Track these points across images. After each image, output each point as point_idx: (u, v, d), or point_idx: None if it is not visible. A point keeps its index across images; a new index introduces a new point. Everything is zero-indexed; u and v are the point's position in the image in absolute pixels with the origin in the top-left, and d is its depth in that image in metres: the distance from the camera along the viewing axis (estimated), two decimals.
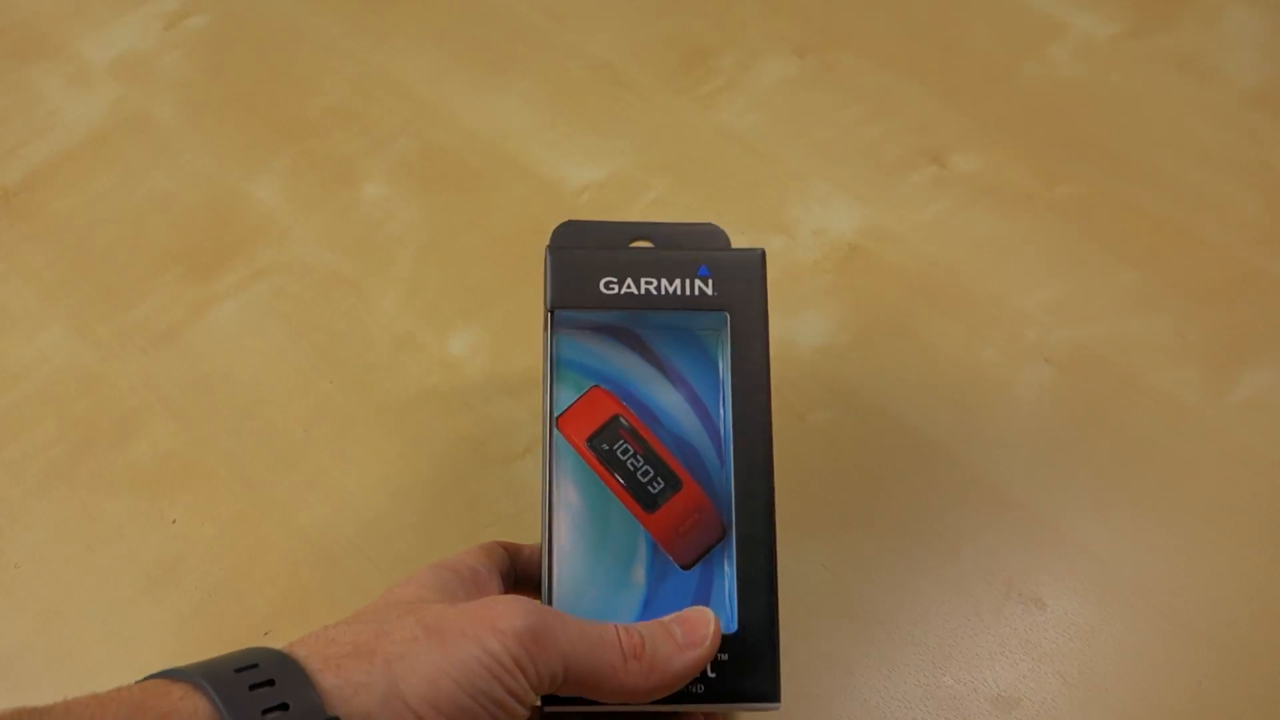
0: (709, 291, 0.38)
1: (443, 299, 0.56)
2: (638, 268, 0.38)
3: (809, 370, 0.51)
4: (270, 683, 0.28)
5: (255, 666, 0.28)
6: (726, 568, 0.36)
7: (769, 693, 0.34)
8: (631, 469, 0.37)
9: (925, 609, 0.44)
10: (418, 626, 0.30)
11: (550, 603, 0.36)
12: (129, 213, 0.61)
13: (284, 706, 0.27)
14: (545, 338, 0.38)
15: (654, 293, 0.38)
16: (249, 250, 0.59)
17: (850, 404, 0.50)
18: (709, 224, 0.41)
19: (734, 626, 0.35)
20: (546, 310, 0.38)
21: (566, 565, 0.36)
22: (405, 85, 0.66)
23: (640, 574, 0.36)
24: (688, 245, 0.40)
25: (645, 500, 0.37)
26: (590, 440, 0.38)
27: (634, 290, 0.38)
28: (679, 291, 0.38)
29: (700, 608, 0.34)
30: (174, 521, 0.49)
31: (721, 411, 0.38)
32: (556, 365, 0.38)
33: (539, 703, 0.32)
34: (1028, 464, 0.48)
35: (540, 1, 0.70)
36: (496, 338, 0.54)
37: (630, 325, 0.39)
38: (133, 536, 0.48)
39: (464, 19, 0.70)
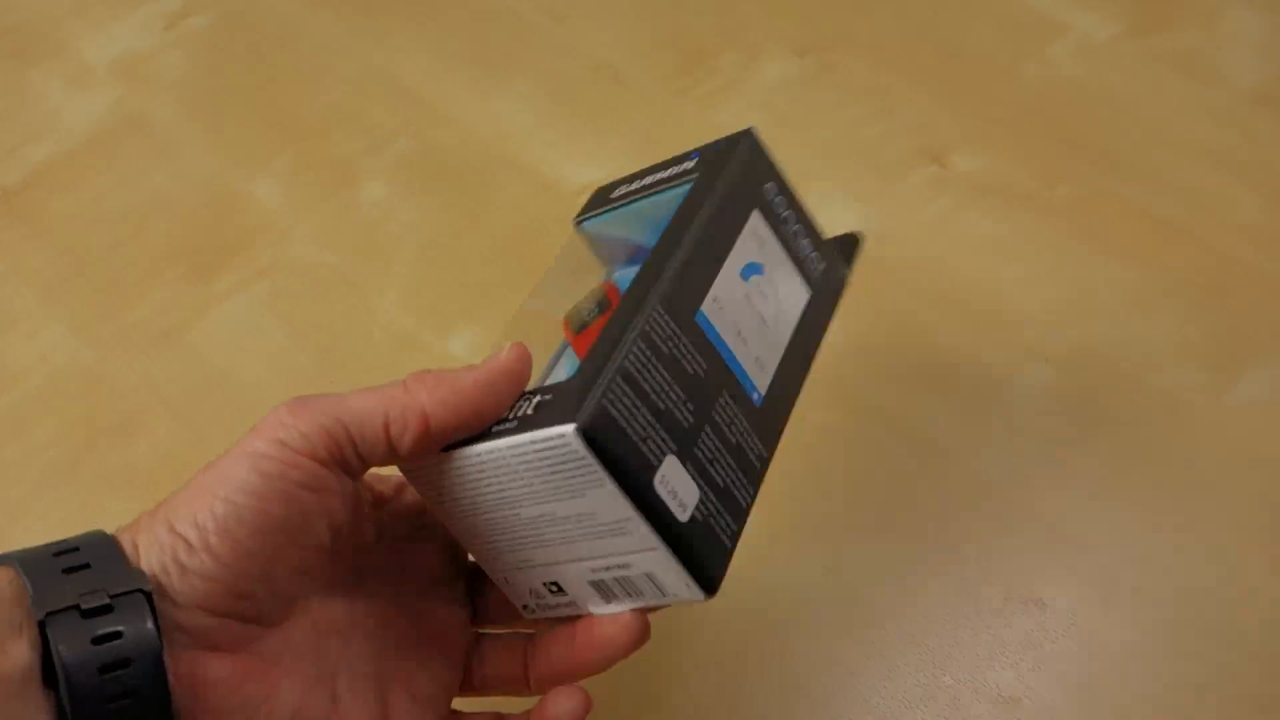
0: (690, 168, 0.39)
1: (443, 299, 0.56)
2: (644, 173, 0.41)
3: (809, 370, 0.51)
4: (75, 549, 0.29)
5: (74, 549, 0.29)
6: None
7: (566, 416, 0.30)
8: (584, 311, 0.38)
9: (925, 609, 0.44)
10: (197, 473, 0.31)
11: None
12: (129, 213, 0.61)
13: (86, 565, 0.28)
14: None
15: (649, 184, 0.40)
16: (249, 250, 0.59)
17: (850, 404, 0.50)
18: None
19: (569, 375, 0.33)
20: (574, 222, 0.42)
21: None
22: (405, 85, 0.66)
23: None
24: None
25: (576, 325, 0.38)
26: (569, 315, 0.39)
27: (634, 187, 0.40)
28: (669, 176, 0.39)
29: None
30: None
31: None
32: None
33: (331, 475, 0.30)
34: (1028, 464, 0.48)
35: (540, 1, 0.70)
36: (496, 337, 0.54)
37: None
38: None
39: (464, 19, 0.70)
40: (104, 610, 0.27)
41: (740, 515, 0.34)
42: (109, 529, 0.31)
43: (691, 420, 0.33)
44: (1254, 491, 0.46)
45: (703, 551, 0.33)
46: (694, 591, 0.33)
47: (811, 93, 0.63)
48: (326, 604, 0.33)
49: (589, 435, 0.30)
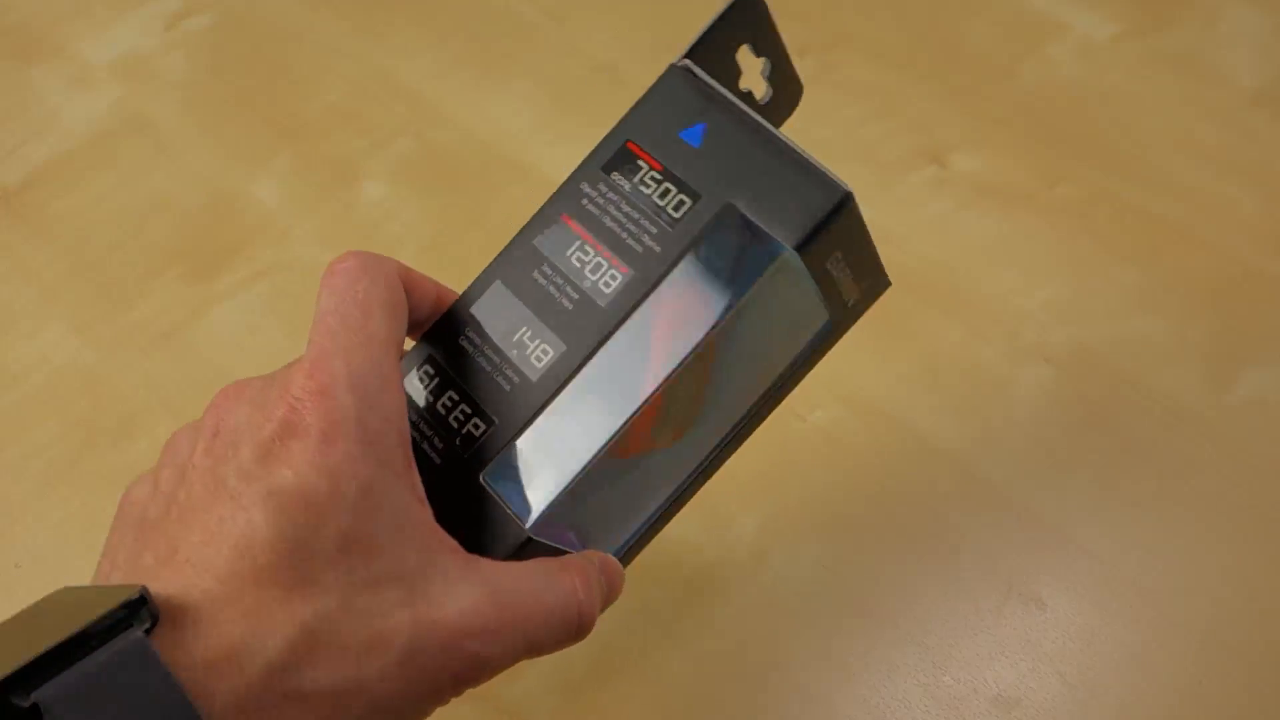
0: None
1: None
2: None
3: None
4: None
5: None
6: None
7: None
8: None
9: (925, 609, 0.44)
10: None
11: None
12: (129, 213, 0.61)
13: None
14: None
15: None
16: (249, 250, 0.59)
17: (850, 404, 0.50)
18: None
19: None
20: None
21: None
22: (405, 85, 0.66)
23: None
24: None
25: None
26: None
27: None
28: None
29: (620, 570, 0.31)
30: None
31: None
32: None
33: None
34: (1028, 464, 0.48)
35: (540, 1, 0.70)
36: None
37: None
38: None
39: (464, 19, 0.70)
40: None
41: None
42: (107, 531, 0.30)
43: None
44: (1254, 491, 0.46)
45: None
46: None
47: (811, 93, 0.63)
48: None
49: None
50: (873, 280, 0.33)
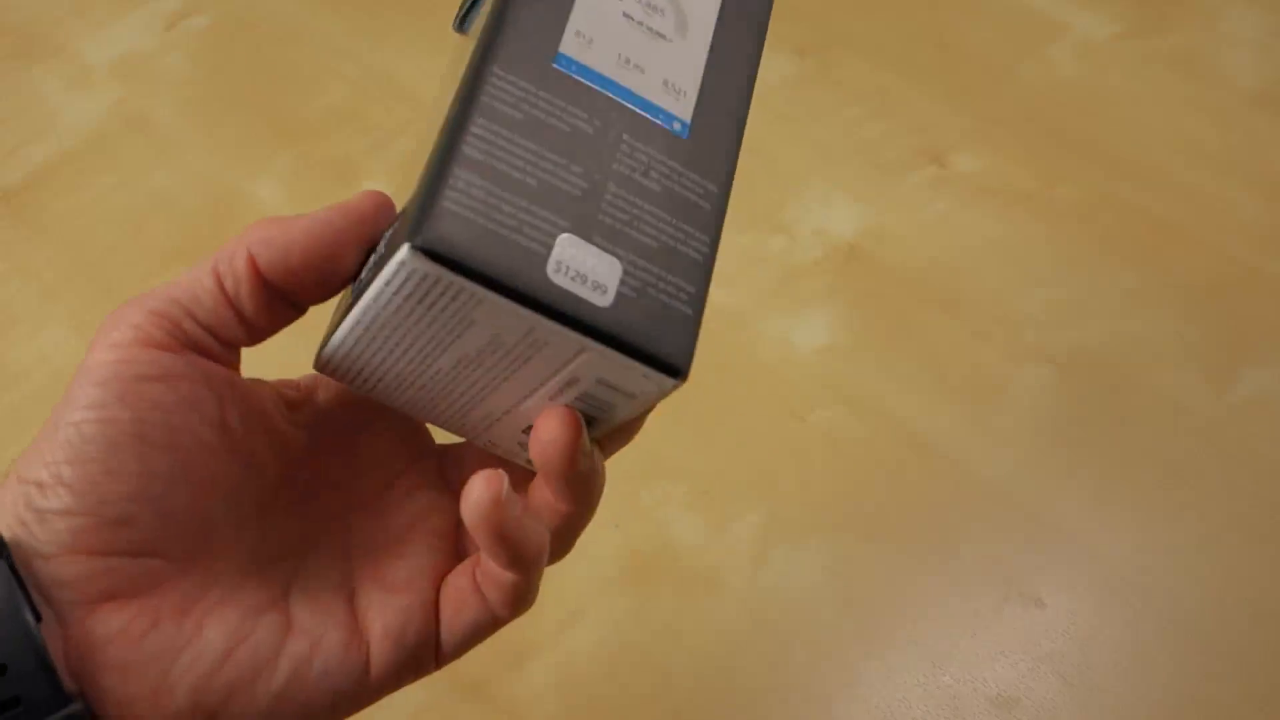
0: None
1: None
2: None
3: (809, 370, 0.51)
4: None
5: None
6: None
7: (404, 237, 0.25)
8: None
9: (925, 609, 0.44)
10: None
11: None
12: (129, 213, 0.61)
13: None
14: None
15: None
16: None
17: (850, 404, 0.50)
18: None
19: None
20: None
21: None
22: (405, 85, 0.66)
23: None
24: None
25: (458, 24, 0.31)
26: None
27: None
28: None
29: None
30: None
31: None
32: None
33: (176, 359, 0.26)
34: (1028, 464, 0.48)
35: None
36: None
37: None
38: None
39: None
40: None
41: (695, 270, 0.28)
42: None
43: (585, 185, 0.27)
44: (1253, 491, 0.46)
45: (649, 329, 0.27)
46: (657, 380, 0.27)
47: (811, 93, 0.63)
48: (271, 527, 0.29)
49: (434, 250, 0.24)
50: None
